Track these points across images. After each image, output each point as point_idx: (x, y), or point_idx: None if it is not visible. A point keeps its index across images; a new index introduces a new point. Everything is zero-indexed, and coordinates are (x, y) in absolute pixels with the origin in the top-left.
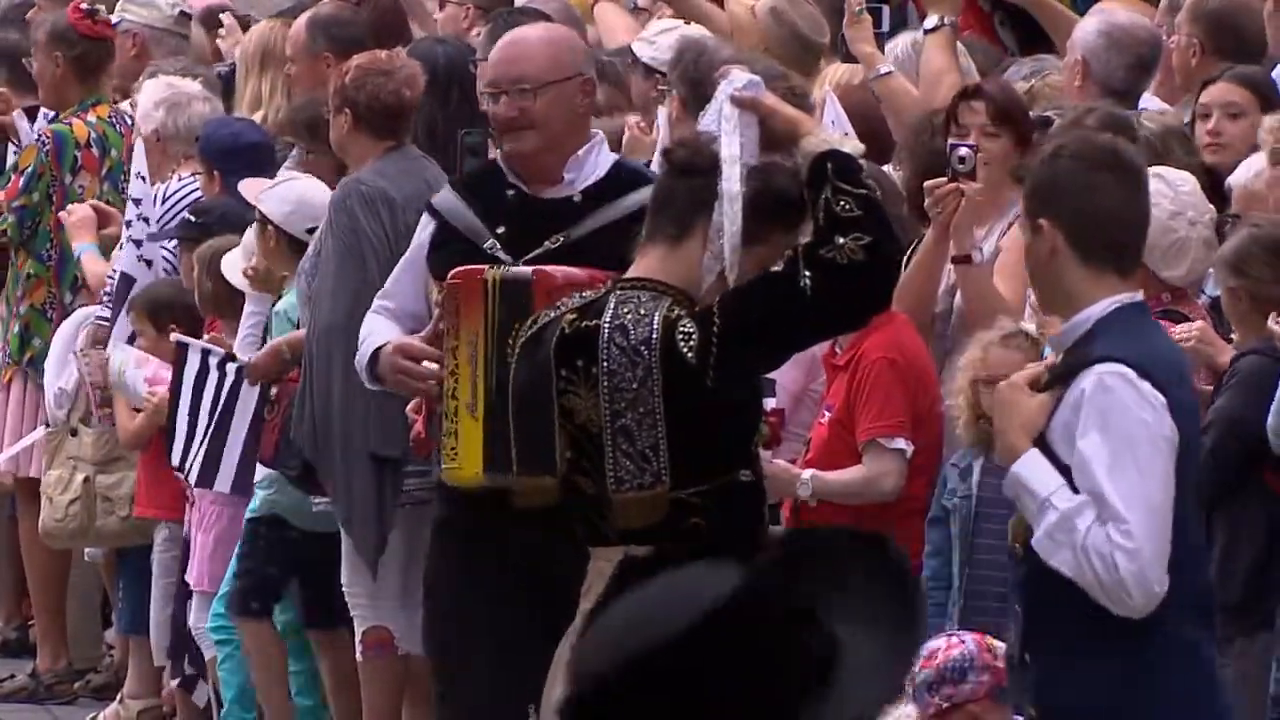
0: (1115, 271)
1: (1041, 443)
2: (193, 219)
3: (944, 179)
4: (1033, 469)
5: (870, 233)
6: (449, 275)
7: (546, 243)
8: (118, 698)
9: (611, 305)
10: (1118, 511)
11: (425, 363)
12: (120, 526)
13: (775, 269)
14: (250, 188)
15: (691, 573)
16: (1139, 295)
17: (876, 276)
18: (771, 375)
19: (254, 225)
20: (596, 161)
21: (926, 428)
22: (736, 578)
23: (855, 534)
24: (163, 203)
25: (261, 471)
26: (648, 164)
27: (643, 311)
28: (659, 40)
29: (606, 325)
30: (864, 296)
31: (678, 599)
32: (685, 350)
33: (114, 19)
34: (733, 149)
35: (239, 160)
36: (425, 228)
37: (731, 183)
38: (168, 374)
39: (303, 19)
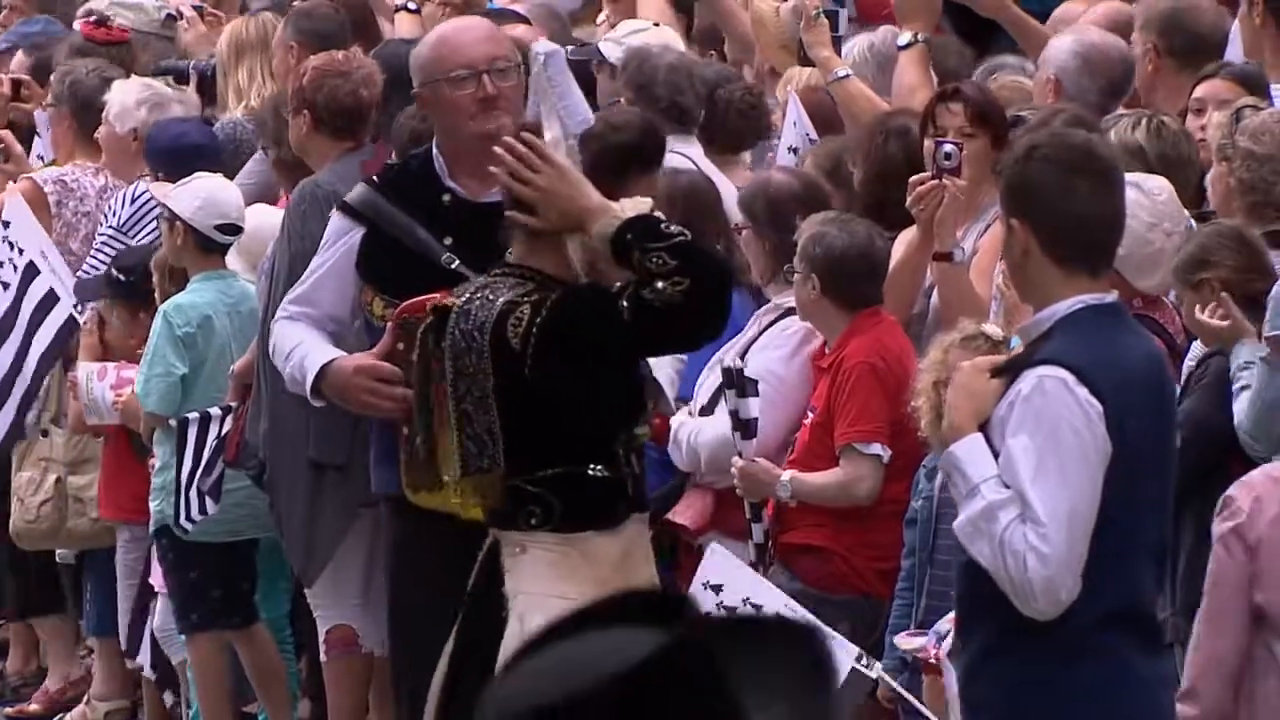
0: (1087, 272)
1: (982, 430)
2: (121, 278)
3: (926, 175)
4: (971, 452)
5: (687, 275)
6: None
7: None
8: (85, 699)
9: (471, 290)
10: (1037, 514)
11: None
12: (91, 528)
13: (614, 287)
14: (159, 189)
15: (606, 637)
16: (1110, 296)
17: (693, 313)
18: (753, 375)
19: (163, 222)
20: None
21: (909, 431)
22: (651, 644)
23: (783, 622)
24: (131, 203)
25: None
26: None
27: (493, 296)
28: (628, 41)
29: (456, 309)
30: (680, 331)
31: (585, 659)
32: (512, 336)
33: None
34: (554, 130)
35: (180, 160)
36: (349, 233)
37: None
38: (130, 373)
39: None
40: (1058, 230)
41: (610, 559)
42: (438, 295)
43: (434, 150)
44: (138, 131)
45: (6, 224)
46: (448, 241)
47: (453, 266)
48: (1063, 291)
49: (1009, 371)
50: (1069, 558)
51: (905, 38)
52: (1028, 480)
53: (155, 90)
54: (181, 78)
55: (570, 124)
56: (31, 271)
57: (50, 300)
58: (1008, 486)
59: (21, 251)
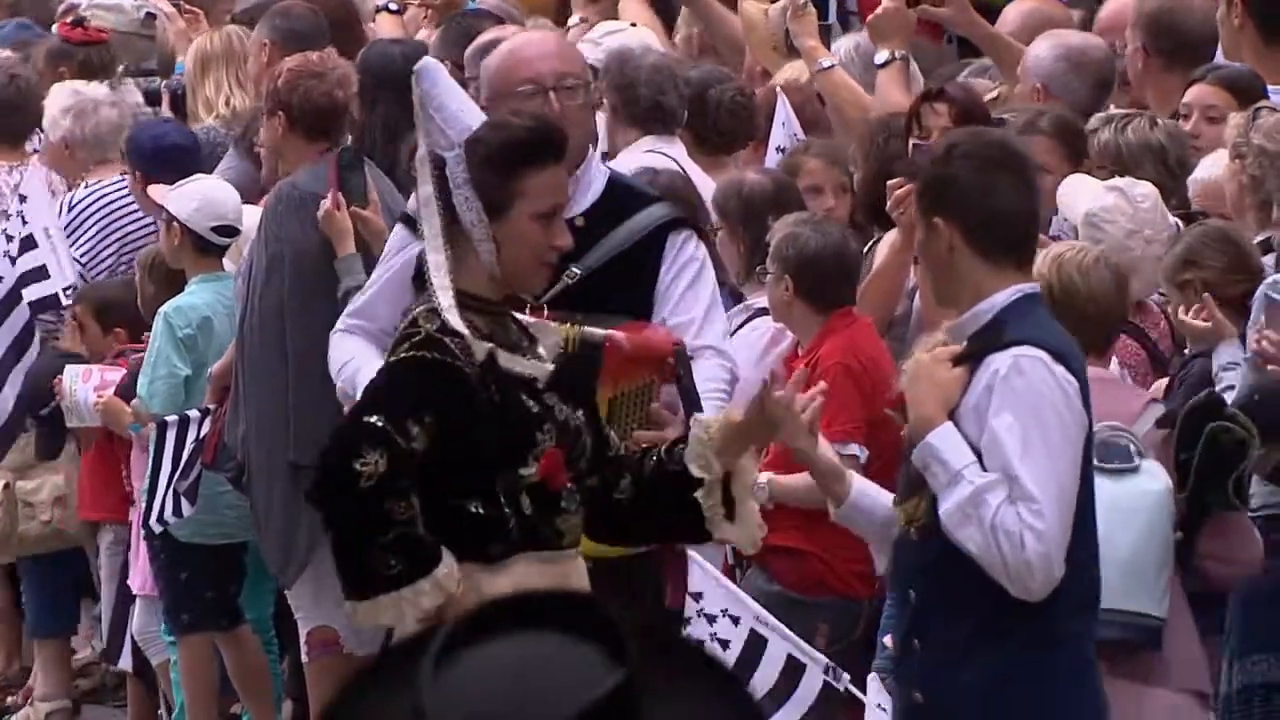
0: (1014, 264)
1: (952, 419)
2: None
3: (903, 179)
4: (946, 440)
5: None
6: None
7: (564, 277)
8: (28, 700)
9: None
10: (1029, 491)
11: None
12: (41, 531)
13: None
14: (158, 191)
15: (556, 657)
16: (1037, 286)
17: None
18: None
19: (160, 223)
20: (592, 179)
21: (885, 431)
22: (604, 682)
23: (711, 663)
24: (69, 211)
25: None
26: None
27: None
28: (605, 42)
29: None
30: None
31: (540, 689)
32: None
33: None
34: (422, 148)
35: (161, 162)
36: (409, 244)
37: (423, 184)
38: (114, 376)
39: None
40: (984, 225)
41: (495, 592)
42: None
43: None
44: (66, 139)
45: (24, 198)
46: None
47: None
48: (995, 284)
49: (969, 360)
50: (1060, 534)
51: (882, 56)
52: (1016, 458)
53: (81, 96)
54: (154, 98)
55: (452, 134)
56: (29, 243)
57: (40, 274)
58: (986, 471)
59: (25, 223)
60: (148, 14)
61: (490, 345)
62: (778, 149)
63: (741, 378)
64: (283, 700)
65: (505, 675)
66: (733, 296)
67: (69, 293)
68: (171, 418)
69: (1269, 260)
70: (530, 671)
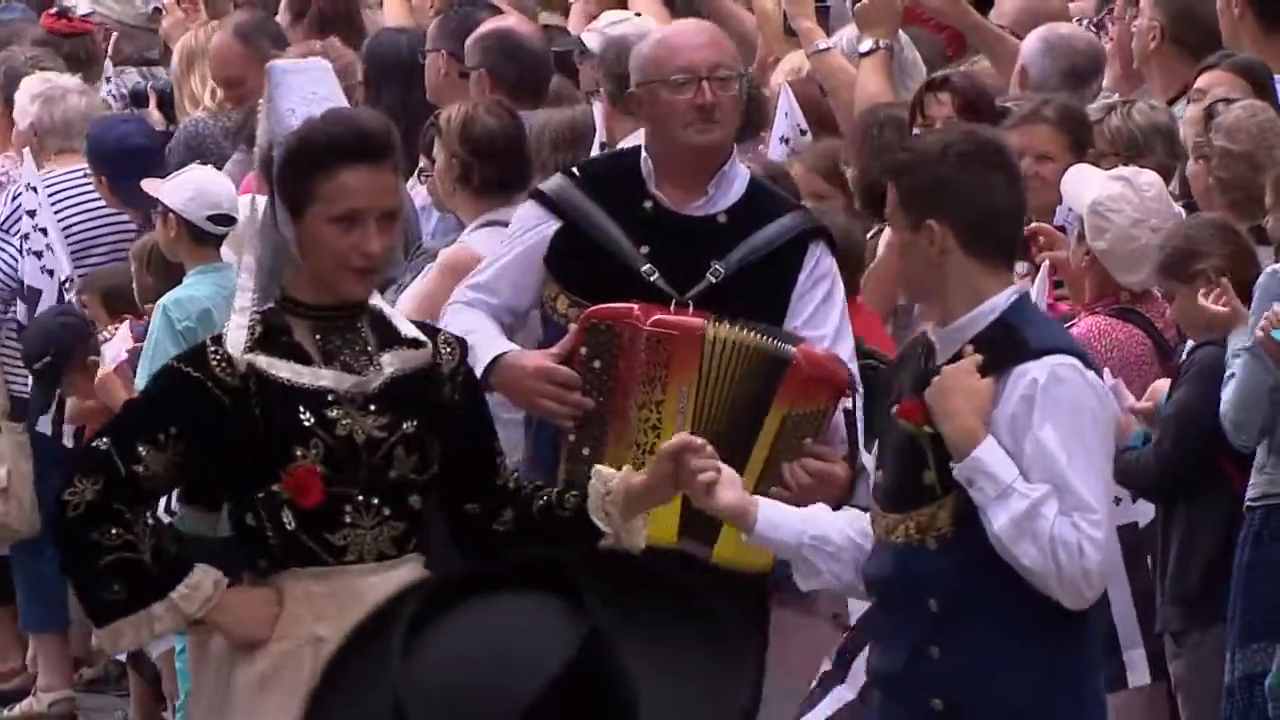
0: (1005, 264)
1: None
2: (36, 366)
3: None
4: (993, 454)
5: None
6: (652, 321)
7: (708, 275)
8: (31, 690)
9: None
10: (1085, 501)
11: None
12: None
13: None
14: (151, 184)
15: (529, 620)
16: (1025, 285)
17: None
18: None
19: (156, 215)
20: (735, 176)
21: None
22: (568, 642)
23: (688, 597)
24: (13, 200)
25: None
26: None
27: None
28: (608, 31)
29: None
30: None
31: (508, 658)
32: None
33: (86, 10)
34: (258, 147)
35: (126, 163)
36: (543, 223)
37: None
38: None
39: (227, 34)
40: (980, 226)
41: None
42: (634, 306)
43: (643, 152)
44: (35, 126)
45: (34, 189)
46: (644, 250)
47: (651, 279)
48: (991, 286)
49: (989, 370)
50: (1110, 540)
51: (867, 44)
52: (1067, 469)
53: (52, 84)
54: (141, 100)
55: (277, 133)
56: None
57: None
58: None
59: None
60: (155, 8)
61: (250, 358)
62: (781, 139)
63: None
64: None
65: (474, 654)
66: None
67: (67, 285)
68: None
69: (1265, 250)
70: (499, 643)
